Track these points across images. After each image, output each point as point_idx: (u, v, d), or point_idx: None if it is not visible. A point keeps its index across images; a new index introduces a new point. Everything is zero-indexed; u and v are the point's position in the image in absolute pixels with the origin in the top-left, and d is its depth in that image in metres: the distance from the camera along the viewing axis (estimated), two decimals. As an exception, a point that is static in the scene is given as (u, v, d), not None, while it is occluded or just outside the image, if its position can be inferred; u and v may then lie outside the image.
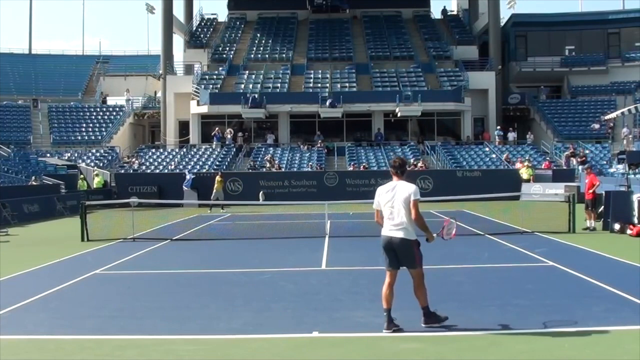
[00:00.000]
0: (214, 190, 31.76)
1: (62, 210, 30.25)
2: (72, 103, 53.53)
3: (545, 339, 7.67)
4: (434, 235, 8.28)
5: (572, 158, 40.05)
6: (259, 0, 60.20)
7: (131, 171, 40.48)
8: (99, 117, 51.54)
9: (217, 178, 32.48)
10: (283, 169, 39.74)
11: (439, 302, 9.62)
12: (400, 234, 7.99)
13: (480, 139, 46.70)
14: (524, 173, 36.39)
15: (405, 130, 48.18)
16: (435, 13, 62.47)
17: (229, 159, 42.30)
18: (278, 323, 8.70)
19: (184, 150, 44.87)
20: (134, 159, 43.02)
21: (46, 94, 56.00)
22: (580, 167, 38.18)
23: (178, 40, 57.22)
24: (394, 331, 7.92)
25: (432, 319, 8.12)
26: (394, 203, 8.04)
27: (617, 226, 18.66)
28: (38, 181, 33.92)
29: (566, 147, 42.37)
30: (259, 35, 56.47)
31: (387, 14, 59.13)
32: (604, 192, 20.49)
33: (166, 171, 40.37)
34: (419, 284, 8.17)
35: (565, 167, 39.08)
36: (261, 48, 54.19)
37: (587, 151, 41.56)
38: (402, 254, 8.06)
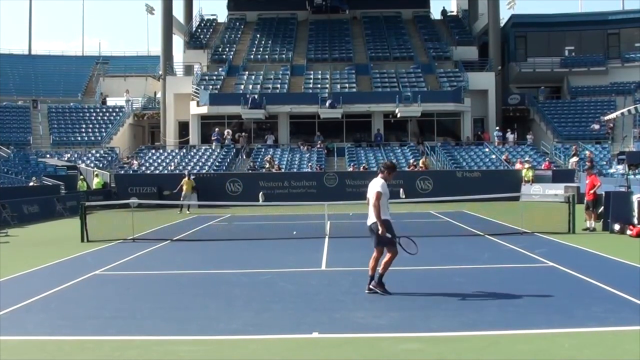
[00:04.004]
0: (184, 192, 31.16)
1: (61, 211, 30.25)
2: (71, 104, 53.50)
3: (545, 339, 7.67)
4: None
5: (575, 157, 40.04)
6: (259, 1, 60.25)
7: (131, 172, 40.47)
8: (99, 117, 51.52)
9: (185, 179, 31.79)
10: (283, 170, 39.73)
11: (439, 303, 9.67)
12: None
13: (475, 139, 46.76)
14: (526, 175, 36.31)
15: (405, 130, 48.16)
16: (435, 14, 62.64)
17: (228, 160, 42.30)
18: (278, 324, 8.70)
19: (184, 151, 44.87)
20: (133, 160, 43.03)
21: (46, 95, 55.99)
22: (573, 160, 38.36)
23: (178, 41, 57.38)
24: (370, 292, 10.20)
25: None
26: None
27: (617, 227, 18.67)
28: (38, 182, 33.90)
29: (566, 147, 42.38)
30: (258, 36, 56.49)
31: (386, 14, 59.18)
32: (603, 193, 20.49)
33: (166, 172, 40.34)
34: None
35: (571, 168, 38.88)
36: (261, 49, 54.22)
37: (586, 152, 41.53)
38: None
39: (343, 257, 14.68)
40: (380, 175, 10.64)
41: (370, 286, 10.29)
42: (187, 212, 30.57)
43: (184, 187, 31.44)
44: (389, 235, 10.03)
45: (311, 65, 51.38)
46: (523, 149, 43.60)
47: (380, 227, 9.99)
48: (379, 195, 10.17)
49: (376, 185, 10.32)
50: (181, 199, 30.75)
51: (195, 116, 46.98)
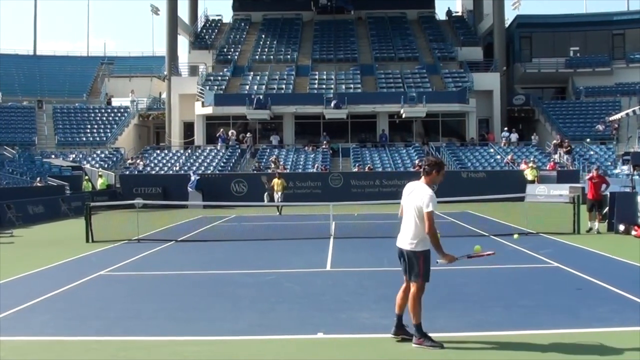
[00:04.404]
0: (275, 192, 30.45)
1: (66, 212, 30.31)
2: (76, 104, 53.61)
3: (550, 339, 7.66)
4: (455, 256, 7.69)
5: (560, 148, 40.32)
6: (264, 1, 60.30)
7: (136, 172, 40.48)
8: (104, 118, 51.61)
9: (276, 180, 30.70)
10: (288, 170, 39.69)
11: (444, 303, 9.67)
12: (406, 246, 7.59)
13: (480, 139, 46.73)
14: (529, 174, 36.36)
15: (410, 131, 48.13)
16: (440, 14, 62.55)
17: (233, 160, 42.33)
18: (283, 324, 8.71)
19: (189, 151, 44.94)
20: (138, 160, 43.04)
21: (51, 95, 56.06)
22: (566, 157, 38.64)
23: (183, 42, 57.36)
24: (403, 339, 7.65)
25: (423, 340, 7.47)
26: (408, 210, 7.66)
27: (621, 227, 18.62)
28: (43, 182, 33.97)
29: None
30: (263, 36, 56.53)
31: (391, 15, 59.15)
32: (608, 194, 20.44)
33: (171, 172, 40.41)
34: (414, 298, 7.54)
35: (553, 154, 39.50)
36: (266, 49, 54.24)
37: (591, 152, 41.55)
38: (408, 264, 7.61)
39: (348, 258, 14.68)
40: (424, 179, 7.74)
41: (413, 344, 7.56)
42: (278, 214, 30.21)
43: (275, 187, 30.93)
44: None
45: (316, 66, 51.35)
46: (528, 149, 43.54)
47: (443, 258, 7.63)
48: (432, 217, 7.52)
49: (424, 197, 7.52)
50: (275, 198, 30.56)
51: (200, 117, 47.02)
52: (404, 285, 7.79)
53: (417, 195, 7.56)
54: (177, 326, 8.69)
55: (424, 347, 7.40)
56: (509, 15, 55.53)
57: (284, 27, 58.11)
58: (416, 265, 7.52)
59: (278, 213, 29.99)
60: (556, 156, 40.55)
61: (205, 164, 41.72)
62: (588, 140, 43.71)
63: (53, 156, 43.99)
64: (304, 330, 8.31)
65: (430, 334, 7.53)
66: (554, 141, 42.33)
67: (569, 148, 40.21)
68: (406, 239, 7.61)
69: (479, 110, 47.01)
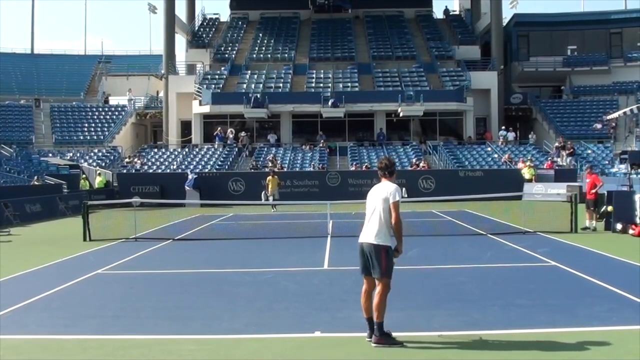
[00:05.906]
0: (270, 190, 31.33)
1: (64, 210, 30.24)
2: (74, 103, 53.56)
3: (548, 338, 7.66)
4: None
5: (562, 150, 40.34)
6: (261, 0, 60.25)
7: (133, 171, 40.45)
8: (101, 117, 51.55)
9: (270, 177, 31.67)
10: (285, 169, 39.67)
11: (442, 302, 9.67)
12: (369, 239, 7.60)
13: (477, 138, 46.75)
14: (526, 173, 36.37)
15: (407, 130, 48.11)
16: (438, 13, 62.65)
17: (231, 159, 42.29)
18: (280, 323, 8.70)
19: (186, 150, 44.87)
20: (136, 159, 43.00)
21: (48, 94, 55.99)
22: (569, 159, 38.69)
23: (180, 40, 57.35)
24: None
25: (384, 339, 7.47)
26: (374, 206, 7.74)
27: (619, 226, 18.63)
28: (40, 181, 33.88)
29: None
30: (261, 35, 56.49)
31: (389, 13, 59.10)
32: (605, 192, 20.46)
33: (168, 171, 40.37)
34: (380, 296, 7.47)
35: (555, 157, 39.74)
36: (263, 48, 54.21)
37: (589, 151, 41.56)
38: (370, 260, 7.57)
39: (345, 257, 14.65)
40: (386, 179, 7.93)
41: (372, 342, 7.56)
42: (273, 210, 30.88)
43: (270, 185, 31.42)
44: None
45: (313, 65, 51.34)
46: (525, 148, 43.53)
47: (398, 247, 7.70)
48: (399, 207, 7.67)
49: (390, 189, 7.69)
50: (268, 197, 31.12)
51: (197, 115, 46.97)
52: (364, 287, 7.77)
53: (382, 191, 7.77)
54: (175, 325, 8.68)
55: (383, 346, 7.40)
56: (506, 13, 55.59)
57: (282, 25, 58.10)
58: (378, 260, 7.52)
59: (274, 209, 30.29)
60: (558, 159, 40.32)
61: (203, 163, 41.69)
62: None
63: (50, 155, 43.93)
64: (301, 329, 8.32)
65: (427, 333, 7.52)
66: (556, 143, 42.19)
67: (571, 150, 40.09)
68: (370, 234, 7.64)
69: (477, 108, 46.99)
